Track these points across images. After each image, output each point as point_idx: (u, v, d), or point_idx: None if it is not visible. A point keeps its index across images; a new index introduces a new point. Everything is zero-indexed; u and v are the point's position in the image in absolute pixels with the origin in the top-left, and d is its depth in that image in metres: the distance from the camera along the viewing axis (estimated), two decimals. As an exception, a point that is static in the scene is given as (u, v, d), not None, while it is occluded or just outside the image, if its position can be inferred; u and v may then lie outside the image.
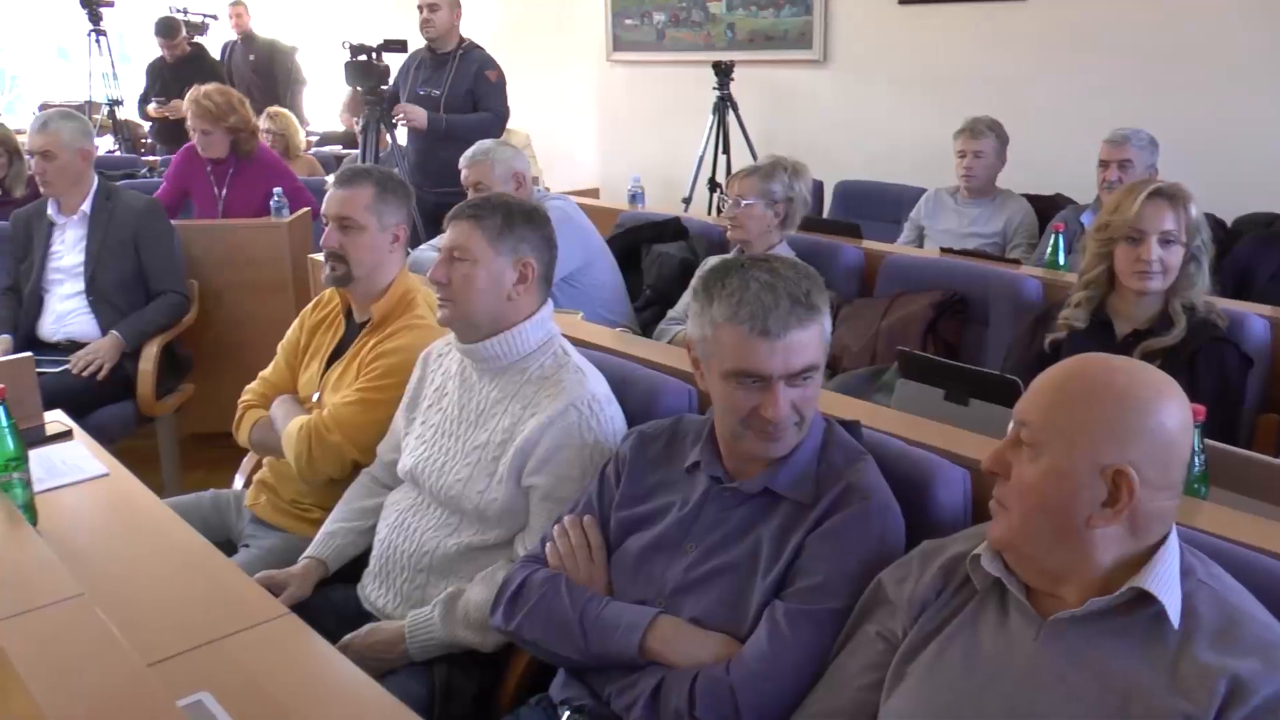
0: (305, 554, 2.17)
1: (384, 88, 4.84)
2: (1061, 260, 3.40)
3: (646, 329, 3.49)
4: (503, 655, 1.90)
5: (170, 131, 6.85)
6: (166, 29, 6.72)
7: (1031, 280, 3.15)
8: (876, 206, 4.73)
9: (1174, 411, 1.27)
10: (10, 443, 1.86)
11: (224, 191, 4.42)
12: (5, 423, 1.86)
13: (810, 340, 1.57)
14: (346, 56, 4.79)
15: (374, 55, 4.79)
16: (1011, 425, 1.35)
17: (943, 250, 3.70)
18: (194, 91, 4.34)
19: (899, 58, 5.44)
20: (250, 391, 2.58)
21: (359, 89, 4.75)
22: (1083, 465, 1.26)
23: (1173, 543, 1.30)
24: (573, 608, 1.65)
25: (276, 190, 4.37)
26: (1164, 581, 1.25)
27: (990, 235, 4.02)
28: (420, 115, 4.57)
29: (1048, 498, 1.28)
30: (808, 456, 1.64)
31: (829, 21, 5.71)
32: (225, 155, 4.40)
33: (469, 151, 3.45)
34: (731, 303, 1.56)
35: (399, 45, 4.74)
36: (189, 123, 4.35)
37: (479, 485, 1.95)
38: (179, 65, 6.78)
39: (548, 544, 1.77)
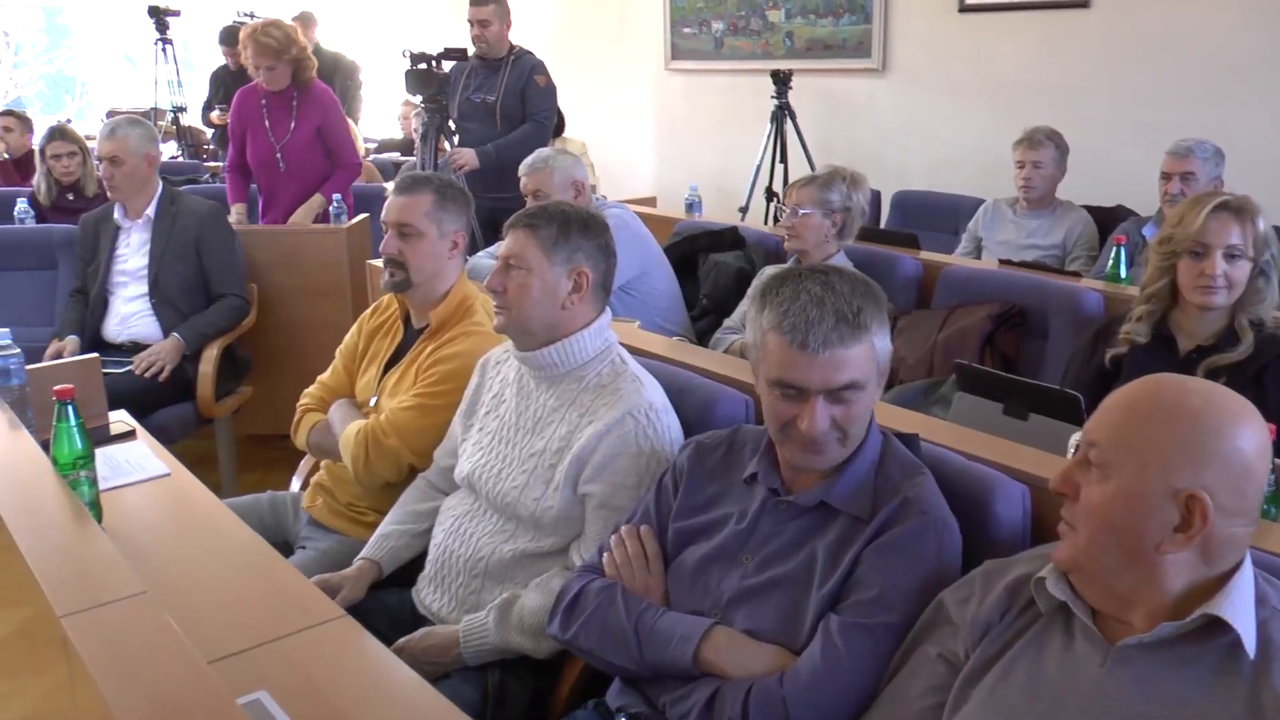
0: (360, 555, 2.19)
1: (442, 96, 4.88)
2: (1123, 273, 3.35)
3: (702, 338, 3.49)
4: (556, 661, 1.91)
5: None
6: (230, 37, 6.82)
7: (1092, 293, 3.10)
8: (934, 217, 4.70)
9: (1251, 436, 1.24)
10: (79, 441, 1.90)
11: (293, 124, 4.54)
12: (74, 422, 1.89)
13: (854, 358, 1.54)
14: (406, 65, 4.82)
15: (434, 63, 4.83)
16: (1079, 444, 1.32)
17: (1001, 262, 3.66)
18: (250, 29, 4.44)
19: (958, 66, 5.39)
20: (308, 395, 2.61)
21: (419, 96, 4.76)
22: (1155, 488, 1.23)
23: (1247, 569, 1.26)
24: (628, 617, 1.65)
25: (335, 196, 4.43)
26: (1238, 609, 1.22)
27: (1049, 247, 3.97)
28: (470, 157, 4.61)
29: (1117, 520, 1.25)
30: (865, 470, 1.62)
31: (888, 30, 5.67)
32: (287, 86, 4.51)
33: (529, 159, 3.47)
34: (779, 311, 1.56)
35: (458, 54, 4.78)
36: (251, 62, 4.46)
37: (535, 492, 1.96)
38: (242, 74, 6.88)
39: (604, 553, 1.77)
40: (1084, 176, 4.23)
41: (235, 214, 4.53)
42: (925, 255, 3.66)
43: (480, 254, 3.59)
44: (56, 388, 1.91)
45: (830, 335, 1.52)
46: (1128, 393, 1.30)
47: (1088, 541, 1.28)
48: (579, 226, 2.02)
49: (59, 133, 4.87)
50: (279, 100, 4.53)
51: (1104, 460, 1.27)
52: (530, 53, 4.88)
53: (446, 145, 5.04)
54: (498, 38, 4.79)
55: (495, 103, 4.72)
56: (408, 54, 4.74)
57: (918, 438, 1.74)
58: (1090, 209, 4.05)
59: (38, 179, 4.83)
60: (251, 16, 7.18)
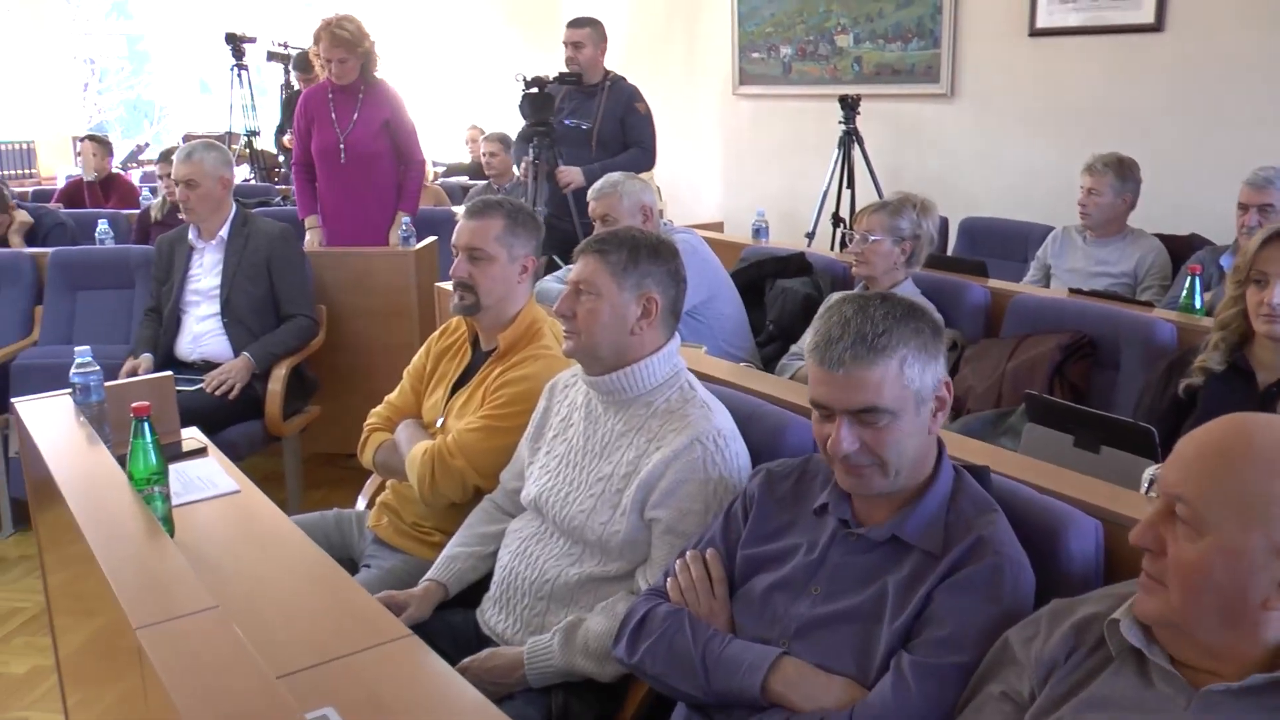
0: (426, 577, 2.20)
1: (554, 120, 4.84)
2: (1197, 304, 3.27)
3: (769, 364, 3.47)
4: (620, 685, 1.90)
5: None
6: (304, 64, 6.98)
7: (1165, 324, 3.04)
8: (1003, 244, 4.64)
9: None
10: (154, 458, 1.93)
11: (356, 115, 4.60)
12: (149, 438, 1.93)
13: (873, 380, 1.53)
14: (520, 88, 4.79)
15: (546, 88, 4.83)
16: (1158, 491, 1.27)
17: (1071, 291, 3.60)
18: (325, 22, 4.52)
19: (1028, 91, 5.34)
20: (375, 415, 2.64)
21: (531, 121, 4.72)
22: (1258, 544, 1.17)
23: None
24: (695, 644, 1.64)
25: (405, 219, 4.50)
26: None
27: (1120, 276, 3.90)
28: (577, 175, 4.64)
29: (1216, 579, 1.19)
30: (936, 505, 1.60)
31: (957, 54, 5.64)
32: (355, 80, 4.58)
33: (598, 184, 3.49)
34: (813, 331, 1.61)
35: (573, 79, 4.77)
36: (323, 55, 4.53)
37: (602, 516, 1.96)
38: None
39: (669, 577, 1.76)
40: (1158, 204, 4.15)
41: (309, 229, 4.61)
42: (994, 283, 3.61)
43: (548, 278, 3.61)
44: (134, 405, 1.94)
45: (845, 354, 1.53)
46: (1214, 439, 1.23)
47: (1182, 601, 1.22)
48: (649, 252, 2.02)
49: (172, 154, 5.03)
50: (345, 95, 4.60)
51: (1195, 516, 1.20)
52: (624, 79, 4.90)
53: (561, 167, 4.97)
54: (590, 61, 4.83)
55: (592, 129, 4.75)
56: (522, 78, 4.73)
57: (988, 470, 1.71)
58: (1163, 237, 3.97)
59: (150, 195, 4.93)
60: (284, 46, 7.35)
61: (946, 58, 5.66)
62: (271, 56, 7.23)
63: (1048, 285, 4.04)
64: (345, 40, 4.49)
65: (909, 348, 1.55)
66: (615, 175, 3.52)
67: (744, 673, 1.58)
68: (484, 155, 6.30)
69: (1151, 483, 1.73)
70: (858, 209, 5.47)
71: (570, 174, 4.65)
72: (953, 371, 3.02)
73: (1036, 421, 2.34)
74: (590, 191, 3.51)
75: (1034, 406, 2.37)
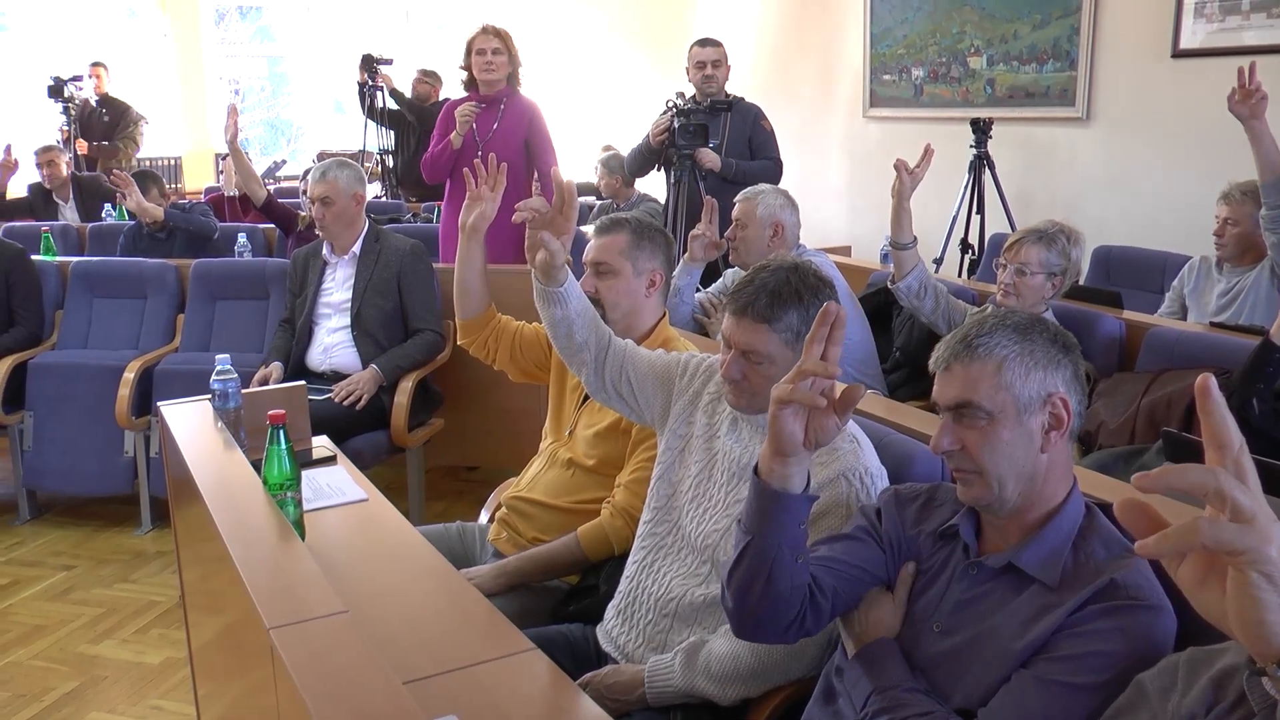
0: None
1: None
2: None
3: (894, 391, 3.41)
4: (740, 709, 1.87)
5: (418, 179, 7.32)
6: (428, 76, 7.27)
7: (1317, 359, 2.88)
8: (1137, 274, 4.48)
9: None
10: (288, 464, 1.99)
11: (495, 125, 4.68)
12: (284, 446, 1.99)
13: (968, 377, 1.54)
14: (674, 111, 4.77)
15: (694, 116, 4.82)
16: None
17: (1212, 324, 3.45)
18: (482, 25, 4.66)
19: (1169, 115, 5.16)
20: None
21: (680, 144, 4.70)
22: None
23: None
24: None
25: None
26: None
27: (1258, 308, 3.72)
28: (715, 158, 4.66)
29: None
30: (1060, 539, 1.54)
31: (1094, 77, 5.49)
32: (502, 85, 4.66)
33: (745, 189, 3.54)
34: None
35: (725, 105, 4.78)
36: (476, 46, 4.65)
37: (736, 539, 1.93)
38: (425, 116, 7.31)
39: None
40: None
41: None
42: (1129, 315, 3.49)
43: (685, 295, 3.61)
44: (271, 412, 2.00)
45: (946, 353, 1.58)
46: None
47: None
48: (818, 308, 1.87)
49: None
50: (488, 106, 4.68)
51: None
52: (743, 98, 4.90)
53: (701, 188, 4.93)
54: (725, 79, 4.86)
55: (719, 145, 4.75)
56: (672, 105, 4.74)
57: None
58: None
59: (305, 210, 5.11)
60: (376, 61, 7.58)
61: (1083, 80, 5.52)
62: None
63: (1184, 318, 3.88)
64: (497, 33, 4.59)
65: (1010, 351, 1.54)
66: (764, 185, 3.58)
67: None
68: (598, 179, 6.40)
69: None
70: (988, 234, 5.37)
71: (709, 156, 4.66)
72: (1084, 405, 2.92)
73: (1174, 460, 2.24)
74: (738, 195, 3.57)
75: (1172, 444, 2.28)
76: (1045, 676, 1.44)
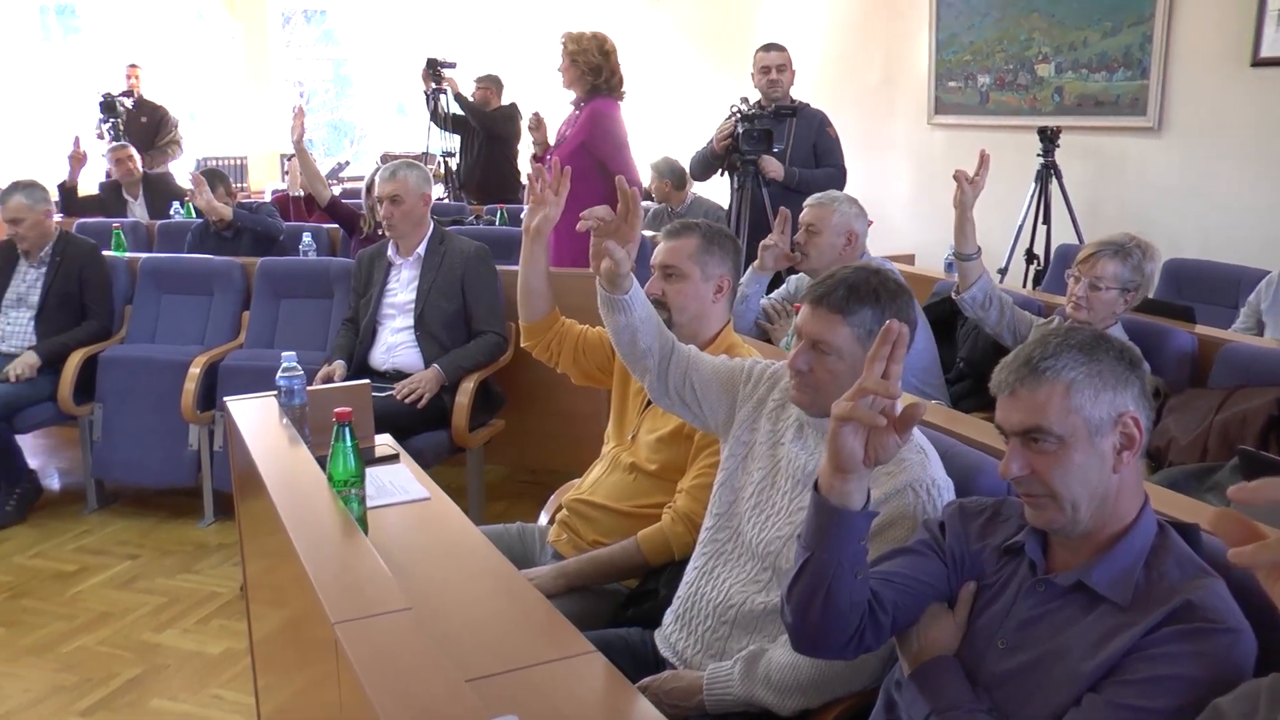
0: None
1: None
2: None
3: (958, 403, 3.37)
4: (799, 718, 1.86)
5: (480, 182, 7.37)
6: (487, 80, 7.33)
7: (1402, 380, 2.80)
8: (1211, 288, 4.37)
9: None
10: (352, 461, 2.00)
11: (567, 131, 4.70)
12: (350, 443, 2.00)
13: (1034, 401, 1.50)
14: (739, 117, 4.74)
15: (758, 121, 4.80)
16: None
17: (1291, 340, 3.37)
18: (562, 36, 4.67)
19: (1247, 125, 5.03)
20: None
21: (743, 150, 4.68)
22: None
23: None
24: None
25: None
26: None
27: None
28: (778, 167, 4.64)
29: None
30: (1131, 557, 1.51)
31: (1166, 85, 5.38)
32: (577, 92, 4.65)
33: (817, 195, 3.51)
34: None
35: (790, 110, 4.75)
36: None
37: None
38: (486, 121, 7.35)
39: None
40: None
41: None
42: (1202, 330, 3.40)
43: (751, 303, 3.60)
44: (337, 410, 2.01)
45: (1011, 377, 1.53)
46: None
47: None
48: (893, 312, 1.91)
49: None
50: (575, 112, 4.71)
51: None
52: (808, 104, 4.88)
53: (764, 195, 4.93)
54: (790, 84, 4.84)
55: (783, 151, 4.73)
56: (737, 110, 4.72)
57: (1198, 529, 1.59)
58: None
59: (367, 211, 5.16)
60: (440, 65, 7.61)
61: (1155, 89, 5.41)
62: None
63: (1260, 333, 3.78)
64: (567, 49, 4.60)
65: (1078, 373, 1.50)
66: (836, 193, 3.56)
67: None
68: (650, 185, 6.39)
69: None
70: (1054, 245, 5.28)
71: (772, 165, 4.64)
72: (1154, 421, 2.86)
73: (1251, 479, 2.18)
74: (810, 199, 3.53)
75: (1249, 463, 2.22)
76: (1117, 700, 1.41)
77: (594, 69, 4.59)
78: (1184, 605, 1.43)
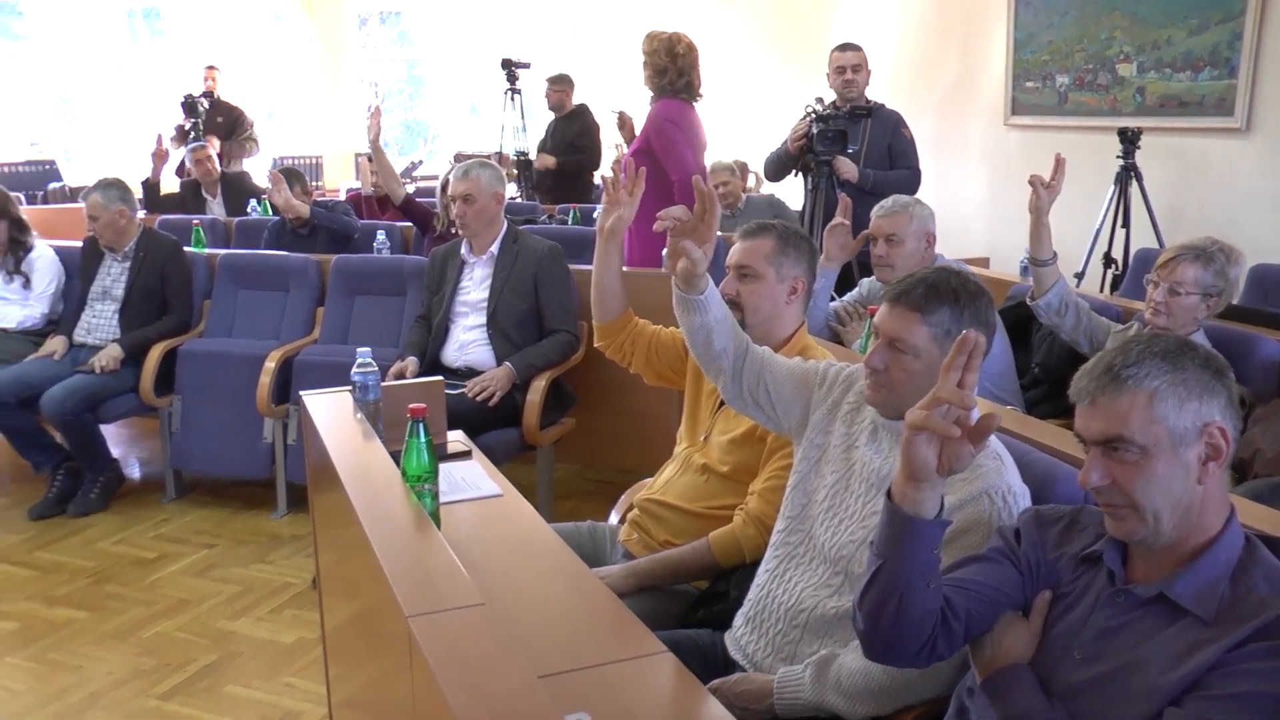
0: None
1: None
2: None
3: (1032, 409, 3.31)
4: (870, 724, 1.84)
5: (551, 183, 7.40)
6: (560, 80, 7.36)
7: None
8: (1300, 295, 4.26)
9: None
10: (426, 457, 2.01)
11: (640, 131, 4.69)
12: (424, 439, 2.01)
13: (1116, 410, 1.46)
14: (813, 117, 4.71)
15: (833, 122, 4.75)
16: None
17: (1383, 348, 3.25)
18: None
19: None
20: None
21: (818, 150, 4.64)
22: None
23: None
24: None
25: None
26: None
27: None
28: (852, 169, 4.61)
29: None
30: (1217, 570, 1.47)
31: (1255, 85, 5.23)
32: (654, 94, 4.62)
33: (888, 203, 3.44)
34: None
35: (865, 111, 4.72)
36: None
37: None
38: (559, 122, 7.38)
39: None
40: None
41: None
42: (1290, 337, 3.32)
43: (819, 300, 3.56)
44: (412, 406, 2.03)
45: (1091, 385, 1.50)
46: None
47: None
48: (972, 314, 1.90)
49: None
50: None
51: None
52: (883, 104, 4.83)
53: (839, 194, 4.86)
54: (866, 83, 4.80)
55: (858, 152, 4.69)
56: (811, 110, 4.69)
57: None
58: None
59: (441, 209, 5.22)
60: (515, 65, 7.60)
61: (1244, 89, 5.26)
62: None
63: (1352, 341, 3.67)
64: (644, 49, 4.59)
65: (1162, 381, 1.46)
66: (905, 198, 3.49)
67: None
68: (717, 185, 6.36)
69: None
70: (1133, 249, 5.17)
71: (847, 166, 4.60)
72: (1240, 431, 2.79)
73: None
74: (880, 209, 3.46)
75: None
76: (1200, 716, 1.38)
77: (660, 70, 4.58)
78: (1274, 620, 1.39)
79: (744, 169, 6.93)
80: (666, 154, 4.53)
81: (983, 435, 1.47)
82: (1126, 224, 5.33)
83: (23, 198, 6.41)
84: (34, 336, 4.77)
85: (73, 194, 7.93)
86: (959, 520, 1.76)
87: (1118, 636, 1.50)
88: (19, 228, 4.87)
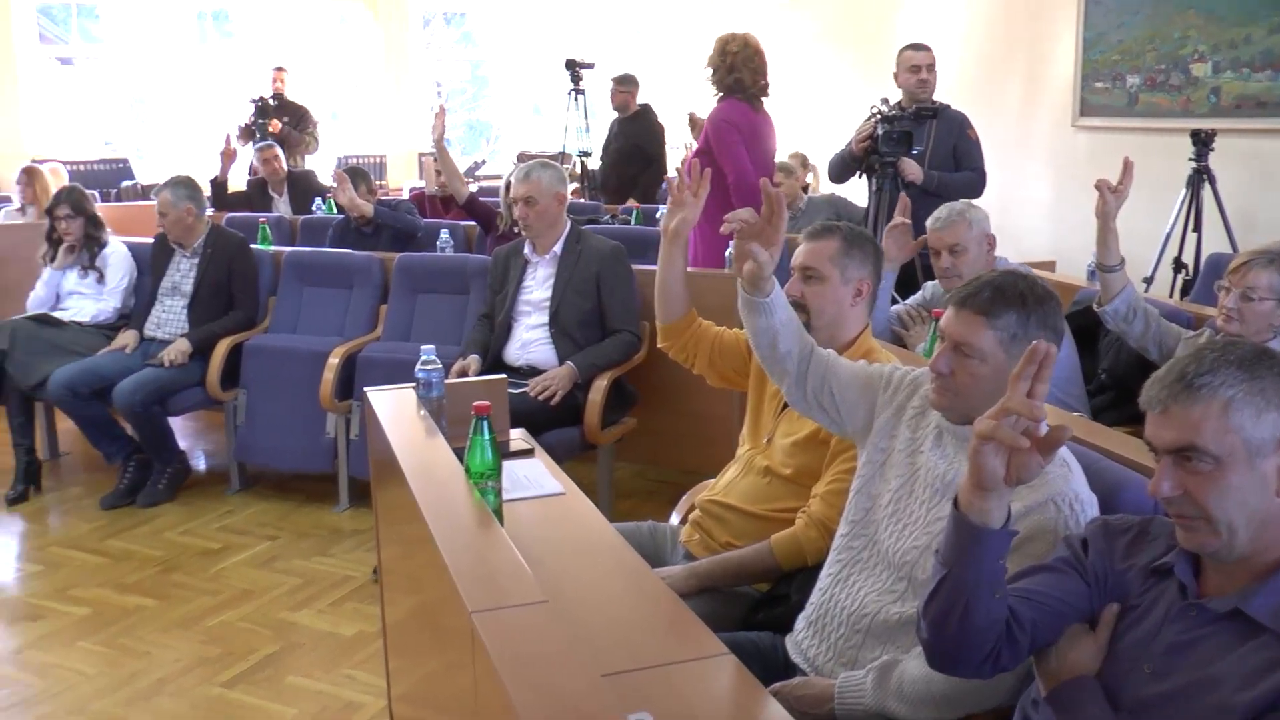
0: None
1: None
2: None
3: (1098, 415, 3.25)
4: (931, 731, 1.82)
5: (613, 185, 7.42)
6: (625, 80, 7.39)
7: None
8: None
9: None
10: (489, 454, 2.02)
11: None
12: (488, 436, 2.02)
13: (1189, 419, 1.42)
14: (879, 118, 4.66)
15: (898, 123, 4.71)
16: None
17: None
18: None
19: None
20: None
21: (883, 151, 4.59)
22: None
23: None
24: None
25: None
26: None
27: None
28: (917, 170, 4.56)
29: None
30: None
31: (1338, 86, 5.10)
32: (717, 94, 4.66)
33: (942, 214, 3.40)
34: None
35: (930, 112, 4.66)
36: None
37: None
38: (623, 122, 7.38)
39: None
40: None
41: None
42: (1368, 345, 3.22)
43: (880, 300, 3.53)
44: (476, 403, 2.04)
45: (1163, 393, 1.46)
46: None
47: None
48: (1039, 318, 1.86)
49: None
50: None
51: None
52: (949, 105, 4.78)
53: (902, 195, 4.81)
54: (934, 86, 4.75)
55: (923, 154, 4.64)
56: (877, 111, 4.65)
57: None
58: None
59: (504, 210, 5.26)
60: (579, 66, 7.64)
61: (1325, 90, 5.14)
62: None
63: None
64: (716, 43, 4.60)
65: (1237, 390, 1.42)
66: (961, 204, 3.45)
67: None
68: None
69: None
70: (1205, 254, 5.06)
71: (912, 168, 4.55)
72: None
73: None
74: (931, 220, 3.42)
75: None
76: None
77: (713, 69, 4.61)
78: None
79: (804, 161, 6.89)
80: (722, 154, 4.53)
81: (1052, 447, 1.45)
82: (1198, 228, 5.22)
83: (97, 195, 6.56)
84: (107, 330, 4.88)
85: (145, 192, 8.15)
86: (1024, 527, 1.73)
87: (1190, 652, 1.47)
88: (94, 224, 4.99)
